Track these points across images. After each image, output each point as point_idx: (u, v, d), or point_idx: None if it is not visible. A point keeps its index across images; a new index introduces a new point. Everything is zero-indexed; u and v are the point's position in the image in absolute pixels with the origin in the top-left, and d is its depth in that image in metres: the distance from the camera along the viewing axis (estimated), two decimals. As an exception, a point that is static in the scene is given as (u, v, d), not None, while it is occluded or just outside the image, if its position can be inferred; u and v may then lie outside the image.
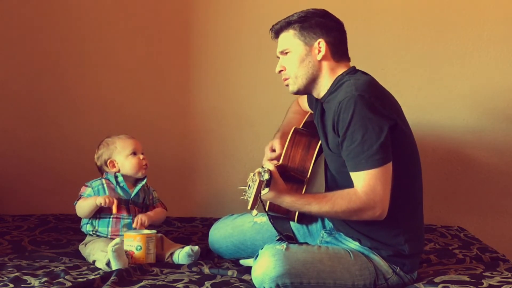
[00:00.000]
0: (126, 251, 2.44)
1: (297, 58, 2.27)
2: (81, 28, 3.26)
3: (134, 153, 2.63)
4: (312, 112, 2.54)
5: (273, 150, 2.50)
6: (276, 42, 2.34)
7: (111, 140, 2.67)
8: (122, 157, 2.63)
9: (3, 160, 3.31)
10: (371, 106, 2.11)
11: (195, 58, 3.28)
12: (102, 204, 2.52)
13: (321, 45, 2.25)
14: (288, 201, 2.21)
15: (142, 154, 2.66)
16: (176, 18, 3.27)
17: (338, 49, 2.28)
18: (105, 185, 2.61)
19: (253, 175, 2.11)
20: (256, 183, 2.07)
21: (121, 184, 2.62)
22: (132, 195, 2.62)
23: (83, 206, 2.59)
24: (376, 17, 3.22)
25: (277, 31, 2.32)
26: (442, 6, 3.21)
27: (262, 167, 2.13)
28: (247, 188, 2.14)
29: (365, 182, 2.12)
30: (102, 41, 3.27)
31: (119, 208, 2.57)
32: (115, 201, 2.54)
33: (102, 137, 2.70)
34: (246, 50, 3.25)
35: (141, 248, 2.47)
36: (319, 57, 2.25)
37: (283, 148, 2.44)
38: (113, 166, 2.64)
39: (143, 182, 2.65)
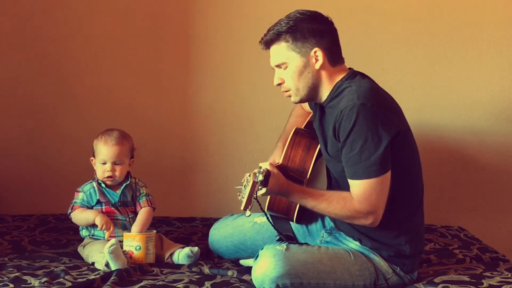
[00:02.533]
0: (125, 251, 2.44)
1: (295, 71, 2.22)
2: (81, 27, 3.26)
3: (104, 163, 2.61)
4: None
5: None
6: (267, 52, 2.28)
7: (98, 140, 2.64)
8: (96, 161, 2.64)
9: (3, 160, 3.31)
10: (373, 116, 2.10)
11: (195, 58, 3.28)
12: (99, 228, 2.53)
13: (317, 54, 2.20)
14: (287, 193, 2.21)
15: (117, 164, 2.60)
16: (176, 17, 3.27)
17: (333, 53, 2.24)
18: (96, 189, 2.62)
19: (249, 175, 2.12)
20: (250, 184, 2.07)
21: (106, 189, 2.62)
22: (117, 197, 2.62)
23: (80, 219, 2.60)
24: (376, 17, 3.21)
25: (267, 43, 2.25)
26: (442, 6, 3.21)
27: (260, 167, 2.14)
28: (242, 187, 2.14)
29: (361, 191, 2.13)
30: (102, 40, 3.27)
31: (111, 211, 2.58)
32: (112, 229, 2.54)
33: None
34: (246, 49, 3.25)
35: (140, 248, 2.47)
36: (317, 66, 2.21)
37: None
38: (94, 164, 2.65)
39: (126, 183, 2.64)
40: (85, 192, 2.62)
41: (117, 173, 2.60)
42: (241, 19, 3.24)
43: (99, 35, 3.27)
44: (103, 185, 2.62)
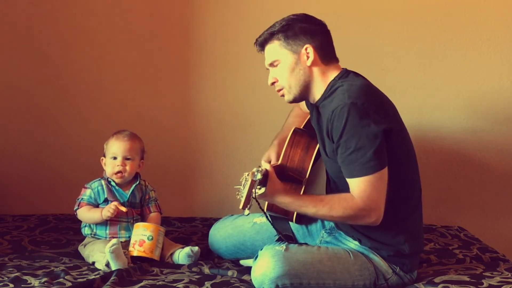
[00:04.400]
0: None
1: (287, 68, 2.26)
2: (81, 29, 3.26)
3: (114, 157, 2.61)
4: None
5: (269, 161, 2.49)
6: (263, 54, 2.33)
7: (110, 138, 2.65)
8: (107, 158, 2.63)
9: (3, 160, 3.31)
10: (364, 113, 2.11)
11: (195, 58, 3.28)
12: (111, 217, 2.52)
13: (308, 50, 2.24)
14: (285, 201, 2.21)
15: (128, 159, 2.60)
16: (176, 18, 3.27)
17: (326, 52, 2.27)
18: (104, 186, 2.61)
19: (247, 174, 2.12)
20: (249, 183, 2.07)
21: (116, 188, 2.62)
22: (127, 197, 2.62)
23: (87, 217, 2.59)
24: (376, 18, 3.21)
25: (261, 44, 2.31)
26: (442, 6, 3.21)
27: (259, 166, 2.14)
28: (241, 187, 2.15)
29: (361, 188, 2.13)
30: (102, 42, 3.27)
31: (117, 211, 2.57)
32: (116, 203, 2.53)
33: (102, 137, 2.70)
34: (246, 49, 3.21)
35: (152, 238, 2.48)
36: (308, 63, 2.25)
37: (278, 158, 2.44)
38: (104, 164, 2.65)
39: (136, 183, 2.65)
40: (93, 189, 2.62)
41: (127, 168, 2.60)
42: (241, 19, 3.24)
43: (99, 36, 3.27)
44: (112, 183, 2.62)
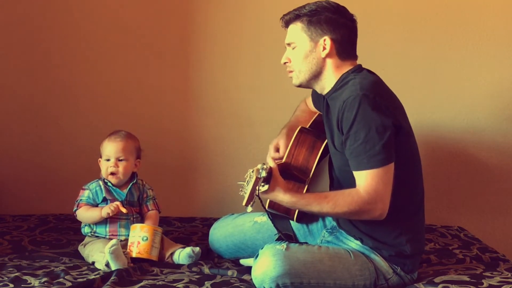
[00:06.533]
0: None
1: (301, 53, 2.27)
2: (81, 27, 3.26)
3: (107, 159, 2.62)
4: (319, 112, 2.55)
5: (278, 149, 2.50)
6: (285, 31, 2.34)
7: (105, 140, 2.66)
8: (102, 159, 2.65)
9: (3, 160, 3.31)
10: (375, 106, 2.11)
11: (195, 58, 3.28)
12: (111, 214, 2.53)
13: (326, 42, 2.24)
14: (288, 200, 2.21)
15: (121, 160, 2.61)
16: (176, 17, 3.27)
17: (345, 48, 2.27)
18: (102, 187, 2.62)
19: (252, 171, 2.12)
20: (253, 180, 2.07)
21: (113, 187, 2.62)
22: (124, 196, 2.62)
23: (86, 217, 2.60)
24: (376, 17, 3.21)
25: (286, 22, 2.32)
26: (442, 6, 3.21)
27: (263, 164, 2.13)
28: (245, 183, 2.14)
29: (367, 181, 2.13)
30: (102, 40, 3.27)
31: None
32: (118, 204, 2.54)
33: (102, 137, 2.70)
34: (246, 49, 3.25)
35: (147, 239, 2.47)
36: (323, 54, 2.25)
37: (287, 148, 2.44)
38: (101, 164, 2.66)
39: (133, 182, 2.66)
40: (91, 189, 2.63)
41: (120, 169, 2.60)
42: (241, 18, 3.24)
43: (99, 36, 3.27)
44: (109, 183, 2.63)
